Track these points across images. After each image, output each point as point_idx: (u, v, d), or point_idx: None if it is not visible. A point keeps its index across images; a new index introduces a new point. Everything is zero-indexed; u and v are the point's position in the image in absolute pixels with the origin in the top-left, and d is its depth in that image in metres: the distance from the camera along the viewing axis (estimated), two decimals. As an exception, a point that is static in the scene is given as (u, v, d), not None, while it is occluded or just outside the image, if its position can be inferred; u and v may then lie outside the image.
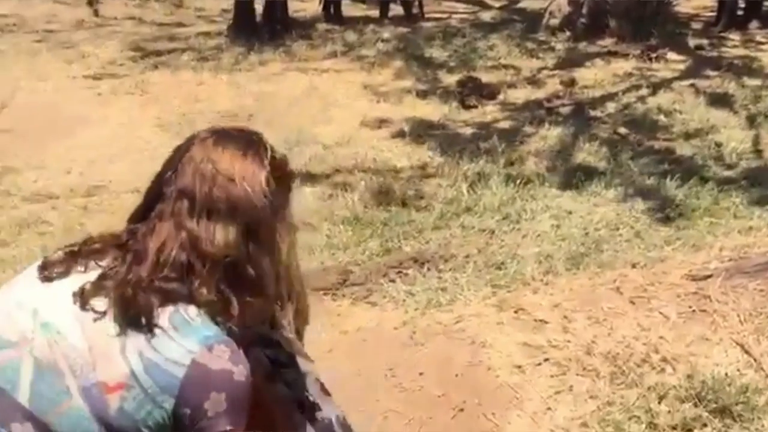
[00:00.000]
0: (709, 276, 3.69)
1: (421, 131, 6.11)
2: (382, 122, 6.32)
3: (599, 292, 3.76)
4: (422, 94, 7.05)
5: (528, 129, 6.11)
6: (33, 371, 1.35)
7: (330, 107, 6.74)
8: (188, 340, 1.34)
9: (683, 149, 5.63)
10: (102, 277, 1.39)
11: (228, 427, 1.34)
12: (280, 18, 9.31)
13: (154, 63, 7.94)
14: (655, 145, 5.74)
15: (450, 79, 7.44)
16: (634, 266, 3.95)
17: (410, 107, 6.75)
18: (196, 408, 1.33)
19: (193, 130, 5.22)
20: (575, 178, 5.16)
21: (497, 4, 11.37)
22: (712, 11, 9.75)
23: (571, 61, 8.01)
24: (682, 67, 7.69)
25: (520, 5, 11.22)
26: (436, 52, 8.44)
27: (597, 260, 4.08)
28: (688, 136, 5.84)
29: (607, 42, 8.55)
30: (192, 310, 1.37)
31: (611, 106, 6.56)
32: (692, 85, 6.98)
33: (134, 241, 1.41)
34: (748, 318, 3.43)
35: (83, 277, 1.40)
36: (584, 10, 8.94)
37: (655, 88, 6.93)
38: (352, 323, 3.70)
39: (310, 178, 5.22)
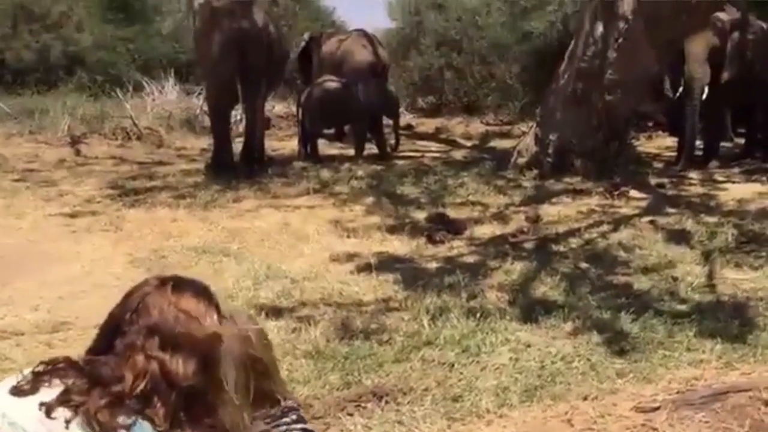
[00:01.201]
0: (657, 408, 3.75)
1: (387, 266, 6.24)
2: (350, 257, 6.46)
3: (551, 424, 3.80)
4: (391, 230, 7.25)
5: (492, 263, 6.26)
6: None
7: (300, 242, 6.89)
8: None
9: (641, 284, 5.77)
10: (66, 392, 1.62)
11: None
12: (258, 157, 9.65)
13: (131, 201, 8.16)
14: (613, 279, 5.89)
15: (419, 215, 7.68)
16: (585, 398, 4.00)
17: (379, 243, 6.93)
18: None
19: (163, 266, 5.37)
20: (535, 311, 5.26)
21: (469, 144, 11.84)
22: (673, 151, 10.18)
23: (537, 198, 8.29)
24: (643, 204, 7.97)
25: (491, 144, 11.70)
26: (408, 189, 8.73)
27: (551, 392, 4.13)
28: (646, 270, 6.00)
29: (573, 180, 8.88)
30: (147, 425, 1.61)
31: (574, 242, 6.76)
32: (652, 221, 7.22)
33: (102, 368, 1.66)
34: (696, 450, 3.48)
35: (49, 391, 1.63)
36: (550, 150, 9.33)
37: (617, 224, 7.17)
38: (307, 457, 3.69)
39: (276, 312, 5.29)
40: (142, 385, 1.64)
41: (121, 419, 1.59)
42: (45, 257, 6.42)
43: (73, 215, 7.69)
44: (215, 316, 1.79)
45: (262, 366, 2.05)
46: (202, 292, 1.82)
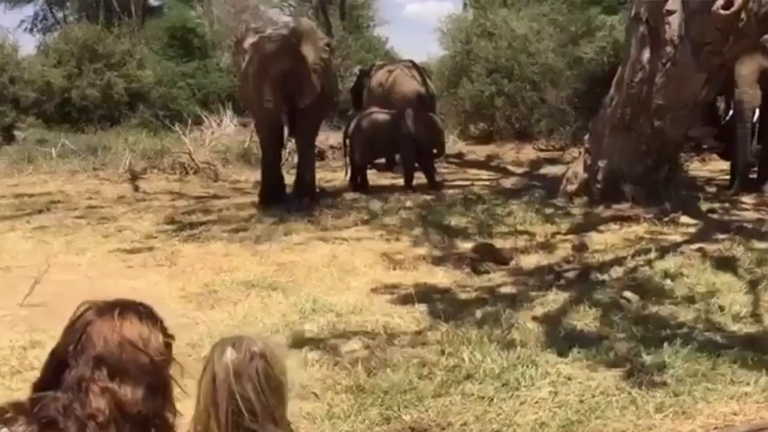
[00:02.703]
0: (694, 444, 3.74)
1: (430, 298, 6.31)
2: (394, 289, 6.55)
3: (586, 461, 3.82)
4: (437, 261, 7.32)
5: (534, 294, 6.28)
6: None
7: (347, 275, 7.01)
8: None
9: (686, 313, 5.72)
10: None
11: None
12: (308, 190, 9.83)
13: (186, 235, 8.39)
14: (658, 309, 5.85)
15: (465, 246, 7.72)
16: (621, 434, 4.01)
17: (424, 274, 7.00)
18: None
19: (214, 300, 5.50)
20: (577, 343, 5.26)
21: (519, 171, 11.84)
22: (726, 175, 10.02)
23: (585, 226, 8.27)
24: (692, 230, 7.88)
25: (542, 171, 11.67)
26: (456, 219, 8.78)
27: (588, 428, 4.14)
28: (691, 300, 5.95)
29: (623, 206, 8.81)
30: None
31: (618, 271, 6.73)
32: (700, 248, 7.14)
33: (52, 406, 1.65)
34: (731, 487, 3.45)
35: None
36: (599, 177, 9.28)
37: (664, 252, 7.10)
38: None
39: (320, 346, 5.40)
40: (100, 418, 1.64)
41: None
42: (102, 293, 6.54)
43: (130, 251, 7.95)
44: (161, 338, 1.78)
45: (279, 390, 2.08)
46: (145, 315, 1.80)
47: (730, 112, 9.57)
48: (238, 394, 1.99)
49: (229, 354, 2.05)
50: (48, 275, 6.53)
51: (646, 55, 8.99)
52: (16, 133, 15.13)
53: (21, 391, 5.04)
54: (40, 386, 1.73)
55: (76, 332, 1.73)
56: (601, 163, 9.29)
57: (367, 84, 12.51)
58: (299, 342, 5.42)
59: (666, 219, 8.13)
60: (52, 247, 8.03)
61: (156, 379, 1.74)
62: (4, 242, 8.22)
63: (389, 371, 4.99)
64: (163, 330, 1.81)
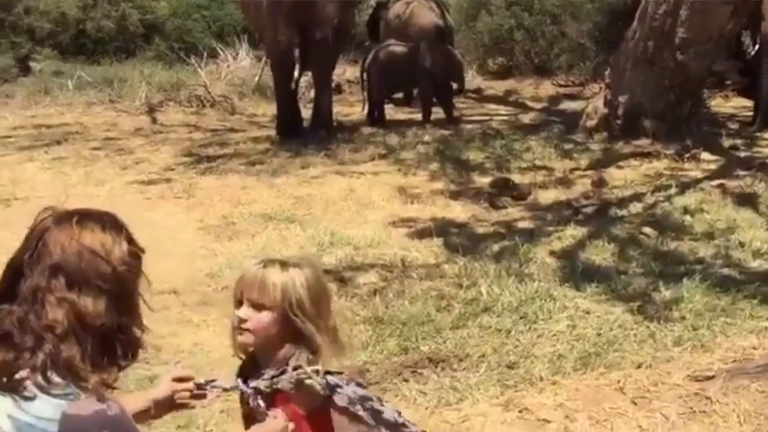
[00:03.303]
0: (712, 377, 3.75)
1: (448, 232, 6.31)
2: (412, 223, 6.55)
3: (603, 392, 3.84)
4: (454, 196, 7.30)
5: (552, 229, 6.27)
6: None
7: (364, 209, 7.01)
8: (56, 398, 1.51)
9: (705, 249, 5.70)
10: None
11: None
12: (325, 124, 9.76)
13: (203, 168, 8.39)
14: (677, 245, 5.82)
15: (483, 180, 7.68)
16: (639, 367, 4.03)
17: (441, 208, 6.99)
18: None
19: (232, 232, 5.52)
20: (594, 277, 5.27)
21: (538, 106, 11.69)
22: (749, 111, 9.86)
23: (604, 162, 8.19)
24: (713, 167, 7.80)
25: (561, 106, 11.53)
26: (473, 154, 8.71)
27: (606, 360, 4.17)
28: (711, 236, 5.92)
29: (643, 142, 8.70)
30: (60, 373, 1.52)
31: (637, 206, 6.69)
32: (721, 185, 7.07)
33: (7, 319, 1.55)
34: (748, 419, 3.47)
35: None
36: (620, 112, 9.15)
37: (684, 188, 7.04)
38: (362, 421, 3.83)
39: (338, 279, 5.42)
40: (58, 329, 1.53)
41: (26, 370, 1.51)
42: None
43: (148, 183, 7.96)
44: (125, 248, 1.62)
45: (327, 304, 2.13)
46: (108, 223, 1.65)
47: (756, 47, 9.35)
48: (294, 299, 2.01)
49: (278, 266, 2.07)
50: (66, 206, 6.55)
51: (671, -14, 8.77)
52: (32, 64, 15.02)
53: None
54: None
55: (32, 240, 1.61)
56: (622, 98, 9.13)
57: (384, 16, 12.26)
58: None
59: (687, 155, 8.03)
60: (71, 178, 8.06)
61: (119, 290, 1.60)
62: (23, 173, 8.25)
63: (407, 303, 5.03)
64: (130, 240, 1.66)
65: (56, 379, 1.51)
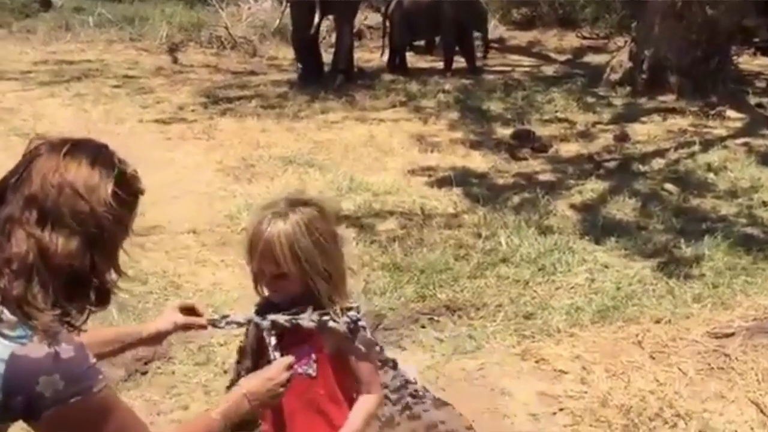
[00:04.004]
0: (731, 334, 3.75)
1: (468, 181, 6.28)
2: (431, 171, 6.51)
3: (621, 345, 3.85)
4: (474, 145, 7.25)
5: (573, 182, 6.23)
6: None
7: (384, 156, 6.97)
8: (6, 338, 1.43)
9: (728, 208, 5.66)
10: None
11: (79, 397, 1.46)
12: (346, 68, 9.66)
13: (222, 109, 8.35)
14: (699, 202, 5.78)
15: (504, 132, 7.62)
16: (658, 322, 4.02)
17: (461, 158, 6.95)
18: (29, 394, 1.43)
19: (251, 174, 5.52)
20: (615, 232, 5.24)
21: (561, 58, 11.54)
22: (777, 69, 9.71)
23: (627, 117, 8.10)
24: (739, 125, 7.69)
25: (584, 59, 11.37)
26: (494, 105, 8.64)
27: (624, 314, 4.16)
28: (733, 194, 5.87)
29: (667, 98, 8.61)
30: (11, 310, 1.44)
31: (660, 163, 6.62)
32: (746, 143, 6.99)
33: None
34: (766, 377, 3.47)
35: None
36: (645, 66, 9.03)
37: (708, 145, 6.96)
38: (379, 365, 3.85)
39: (357, 224, 5.42)
40: (15, 265, 1.45)
41: None
42: (140, 163, 6.52)
43: (168, 122, 7.94)
44: (110, 189, 1.53)
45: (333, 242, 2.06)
46: (101, 160, 1.54)
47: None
48: (298, 248, 1.97)
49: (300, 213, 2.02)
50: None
51: (703, -62, 8.57)
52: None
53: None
54: None
55: (21, 165, 1.53)
56: (648, 52, 9.00)
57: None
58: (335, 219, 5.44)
59: (712, 112, 7.93)
60: (91, 115, 8.04)
61: (95, 232, 1.50)
62: (45, 108, 8.24)
63: (425, 251, 5.02)
64: (126, 179, 1.56)
65: (8, 317, 1.44)
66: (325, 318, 2.00)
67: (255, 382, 1.88)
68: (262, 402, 1.88)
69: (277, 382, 1.89)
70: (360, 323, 2.03)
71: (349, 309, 2.03)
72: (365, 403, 2.05)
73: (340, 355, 2.05)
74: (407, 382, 2.13)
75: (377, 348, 2.09)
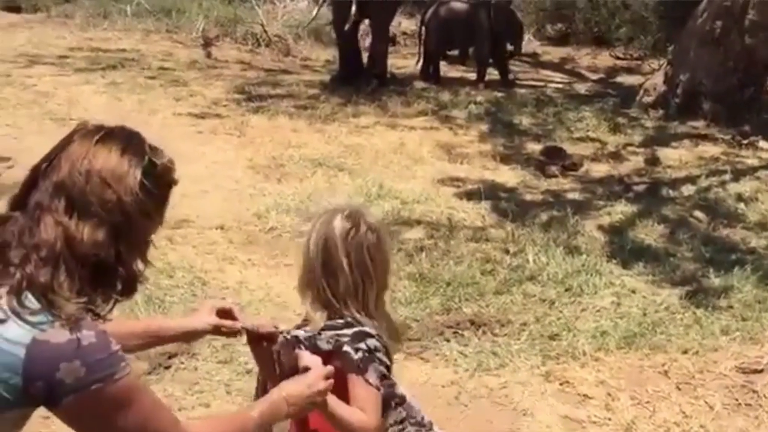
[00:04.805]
0: (761, 371, 3.72)
1: (496, 195, 6.27)
2: (460, 183, 6.51)
3: (647, 374, 3.83)
4: (504, 159, 7.23)
5: (602, 203, 6.20)
6: None
7: (413, 164, 6.97)
8: (28, 324, 1.43)
9: (758, 240, 5.60)
10: None
11: (100, 384, 1.45)
12: (379, 74, 9.68)
13: (255, 107, 8.38)
14: (729, 232, 5.73)
15: (534, 147, 7.60)
16: (685, 352, 4.00)
17: (490, 171, 6.94)
18: (49, 380, 1.42)
19: (281, 174, 5.53)
20: (643, 257, 5.22)
21: (594, 77, 11.49)
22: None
23: (658, 140, 8.05)
24: (771, 156, 7.63)
25: (617, 79, 11.32)
26: (525, 119, 8.62)
27: (651, 342, 4.13)
28: (764, 226, 5.81)
29: (699, 124, 8.55)
30: (36, 297, 1.44)
31: (690, 189, 6.58)
32: (778, 175, 6.93)
33: (9, 230, 1.49)
34: (793, 417, 3.44)
35: None
36: (679, 90, 8.98)
37: (739, 175, 6.91)
38: (402, 377, 3.84)
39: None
40: (43, 252, 1.45)
41: (4, 290, 1.44)
42: (171, 155, 6.70)
43: (200, 116, 7.98)
44: (139, 177, 1.51)
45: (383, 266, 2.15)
46: (132, 147, 1.54)
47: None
48: (344, 260, 2.01)
49: (339, 221, 2.05)
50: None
51: (744, -34, 8.52)
52: (90, -15, 15.10)
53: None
54: (13, 205, 1.53)
55: (54, 150, 1.53)
56: (683, 77, 8.95)
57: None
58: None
59: (744, 141, 7.87)
60: (125, 104, 8.10)
61: (123, 222, 1.50)
62: (80, 94, 8.31)
63: (452, 263, 5.02)
64: (158, 170, 1.55)
65: (32, 303, 1.44)
66: (343, 340, 2.00)
67: (296, 386, 1.87)
68: (300, 408, 1.87)
69: (316, 390, 1.88)
70: (377, 354, 2.01)
71: (370, 336, 2.03)
72: (355, 411, 1.96)
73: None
74: (409, 415, 2.09)
75: (388, 383, 2.06)
